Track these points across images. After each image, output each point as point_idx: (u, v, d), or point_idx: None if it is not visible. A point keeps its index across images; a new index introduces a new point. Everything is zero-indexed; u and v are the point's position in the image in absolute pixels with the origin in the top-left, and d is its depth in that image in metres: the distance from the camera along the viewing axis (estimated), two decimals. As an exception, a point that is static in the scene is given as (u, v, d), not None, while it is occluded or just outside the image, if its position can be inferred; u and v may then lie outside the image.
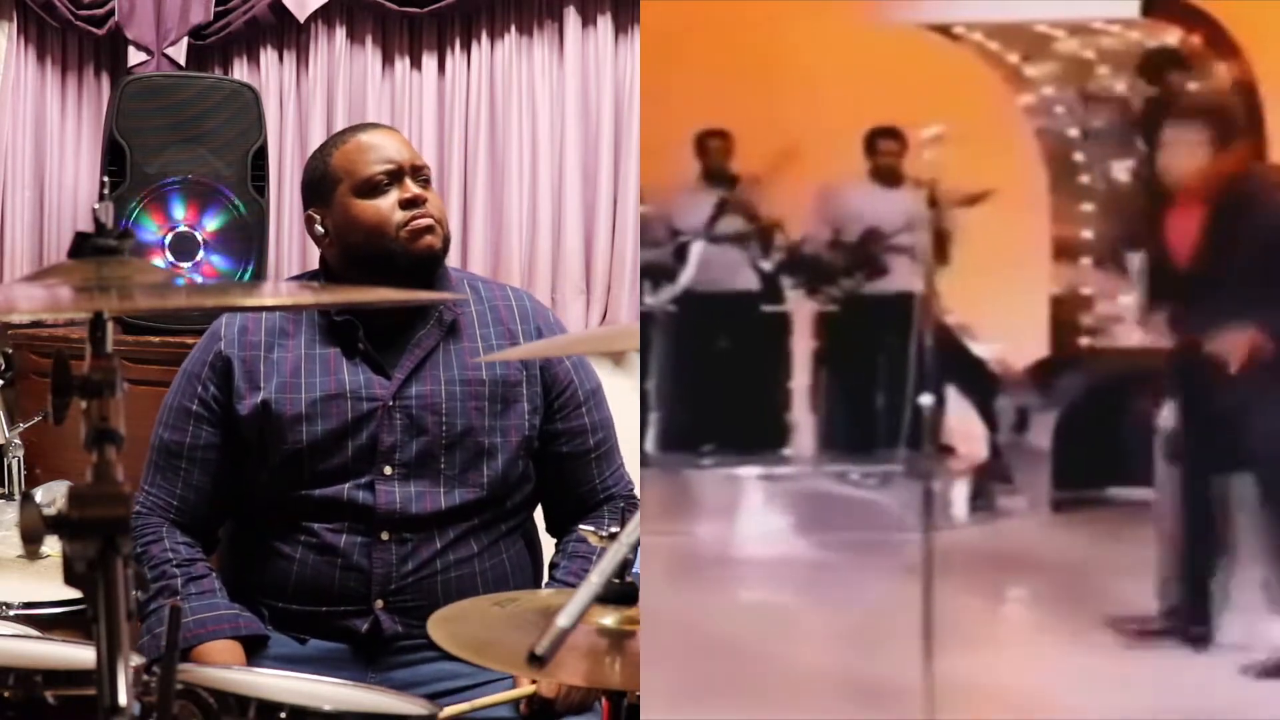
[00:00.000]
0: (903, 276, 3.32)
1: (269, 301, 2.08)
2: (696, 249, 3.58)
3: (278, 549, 2.40)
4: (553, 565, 2.53)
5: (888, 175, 3.53)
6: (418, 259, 2.39)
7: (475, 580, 2.40)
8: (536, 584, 2.54)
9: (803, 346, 3.56)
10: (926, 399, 2.22)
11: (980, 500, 3.11)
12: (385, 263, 2.37)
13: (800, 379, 3.55)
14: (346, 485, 2.37)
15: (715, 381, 3.45)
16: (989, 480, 3.13)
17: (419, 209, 2.39)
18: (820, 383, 3.55)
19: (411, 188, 2.40)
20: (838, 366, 3.54)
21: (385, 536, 2.36)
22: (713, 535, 2.98)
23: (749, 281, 3.60)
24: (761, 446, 3.44)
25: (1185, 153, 2.41)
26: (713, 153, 3.65)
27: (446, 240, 2.44)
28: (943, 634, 2.17)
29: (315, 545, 2.37)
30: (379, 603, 2.36)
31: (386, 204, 2.40)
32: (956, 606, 2.30)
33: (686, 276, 3.56)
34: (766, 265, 3.58)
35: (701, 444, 3.42)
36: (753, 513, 3.17)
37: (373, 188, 2.40)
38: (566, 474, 2.51)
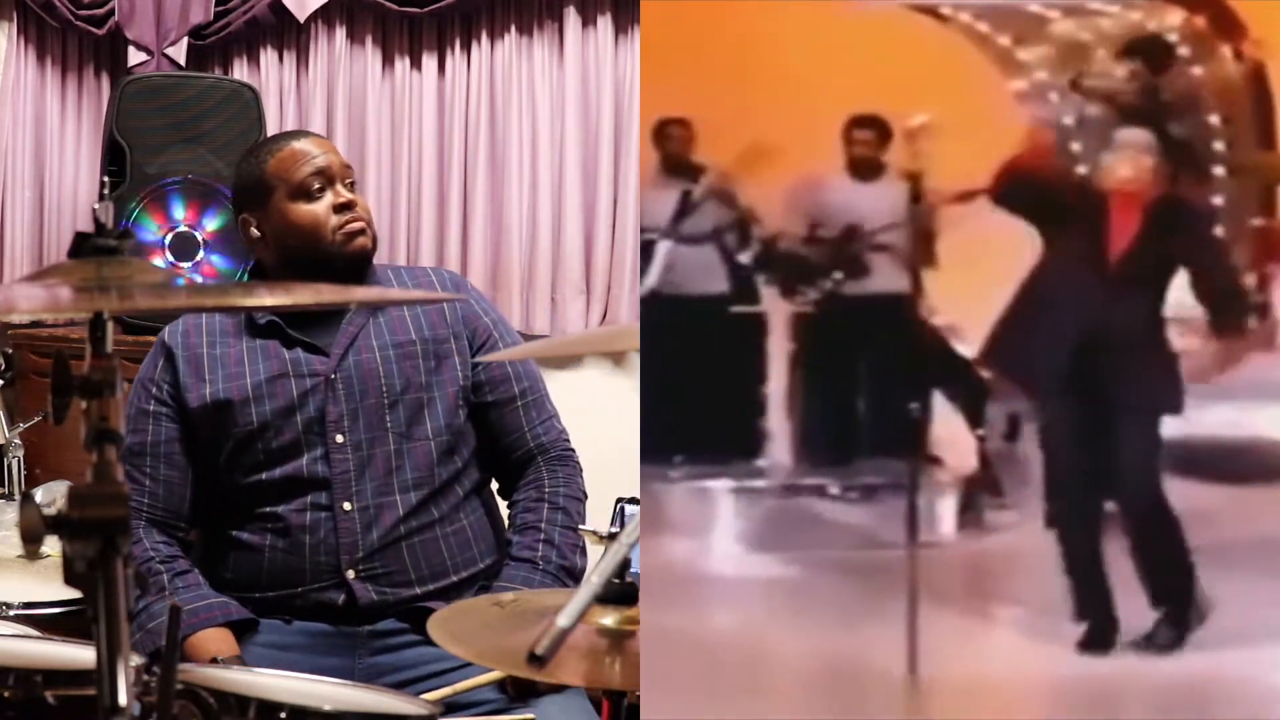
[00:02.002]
0: (886, 275, 3.14)
1: (269, 301, 2.09)
2: (662, 248, 3.44)
3: (245, 542, 2.47)
4: (508, 543, 2.58)
5: (864, 167, 3.26)
6: (351, 259, 2.51)
7: (439, 545, 2.48)
8: (499, 552, 2.58)
9: (778, 349, 3.36)
10: (912, 406, 2.17)
11: (969, 514, 2.96)
12: (321, 263, 2.50)
13: (775, 384, 3.35)
14: (304, 460, 2.46)
15: (684, 388, 3.19)
16: (978, 492, 2.98)
17: (351, 213, 2.52)
18: (797, 388, 3.33)
19: (343, 193, 2.52)
20: (816, 371, 3.32)
21: (347, 507, 2.44)
22: (683, 553, 2.87)
23: (719, 281, 3.41)
24: (734, 457, 3.27)
25: (1130, 159, 2.38)
26: (671, 142, 3.41)
27: (375, 240, 2.57)
28: (928, 658, 2.10)
29: (281, 529, 2.45)
30: (350, 573, 2.43)
31: (321, 208, 2.51)
32: (943, 629, 2.23)
33: (653, 277, 3.42)
34: (738, 263, 3.40)
35: (670, 455, 3.22)
36: (725, 528, 3.05)
37: (307, 192, 2.51)
38: (495, 423, 2.59)
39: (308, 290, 2.16)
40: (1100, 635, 2.30)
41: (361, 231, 2.52)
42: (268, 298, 1.96)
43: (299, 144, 2.56)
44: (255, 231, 2.56)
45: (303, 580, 2.44)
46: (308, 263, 2.50)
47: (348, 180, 2.55)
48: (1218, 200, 3.10)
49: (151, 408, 2.52)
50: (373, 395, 2.49)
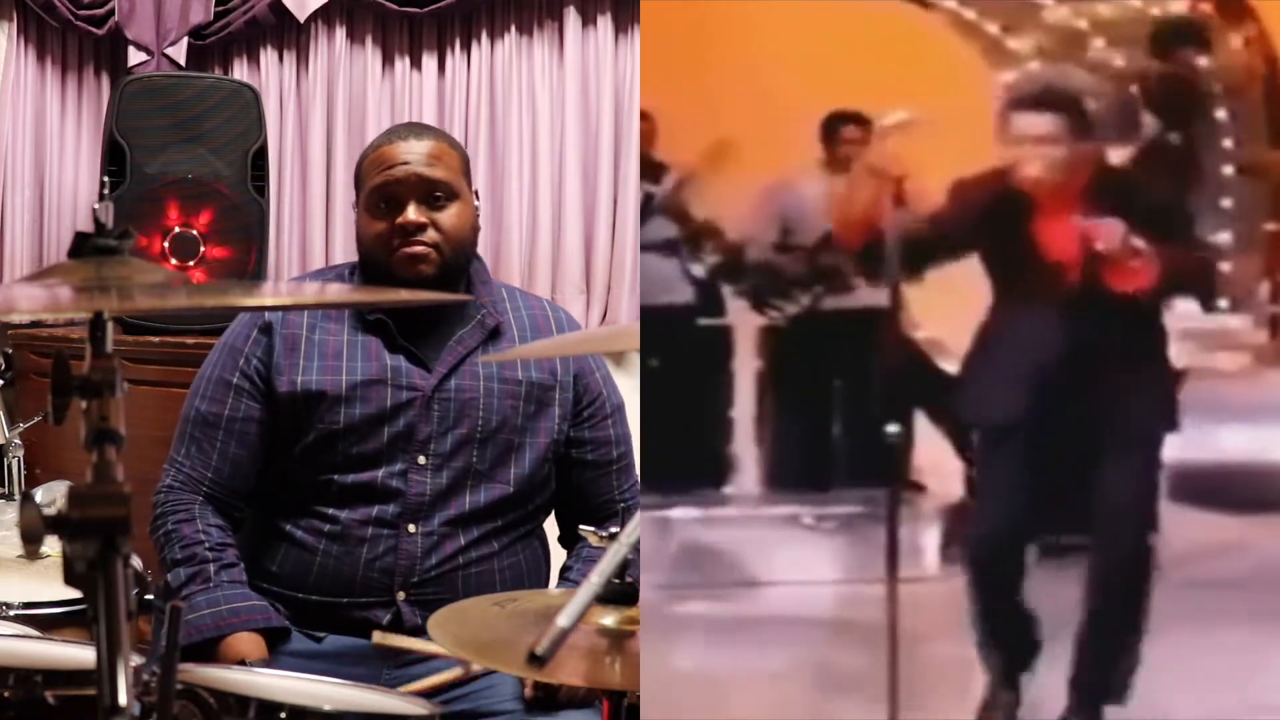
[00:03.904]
0: (864, 287, 2.87)
1: (269, 301, 2.09)
2: None
3: (298, 540, 2.40)
4: (565, 569, 2.54)
5: (848, 167, 2.92)
6: (408, 283, 2.40)
7: (493, 578, 2.42)
8: (545, 586, 2.53)
9: (746, 367, 3.11)
10: (892, 428, 2.00)
11: (954, 546, 2.73)
12: (384, 276, 2.43)
13: (743, 405, 3.10)
14: (380, 472, 2.38)
15: (645, 407, 2.79)
16: (964, 522, 2.64)
17: (412, 236, 2.40)
18: (767, 410, 3.09)
19: (410, 214, 2.40)
20: (787, 390, 3.08)
21: (412, 530, 2.37)
22: (643, 588, 2.61)
23: (685, 292, 3.16)
24: (698, 484, 3.01)
25: (1037, 149, 2.05)
26: (639, 138, 3.20)
27: (446, 264, 2.44)
28: (911, 702, 1.96)
29: (337, 535, 2.38)
30: (401, 594, 2.37)
31: (384, 225, 2.42)
32: (926, 672, 2.10)
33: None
34: (699, 269, 3.14)
35: None
36: (688, 562, 2.85)
37: (374, 205, 2.43)
38: (586, 482, 2.52)
39: (311, 292, 2.16)
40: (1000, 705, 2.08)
41: (420, 258, 2.41)
42: (268, 298, 1.96)
43: (391, 147, 2.45)
44: (356, 221, 2.51)
45: (351, 592, 2.37)
46: (375, 270, 2.44)
47: (434, 194, 2.42)
48: (1226, 202, 2.89)
49: (235, 380, 2.43)
50: (466, 426, 2.41)
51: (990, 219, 2.09)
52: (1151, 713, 2.07)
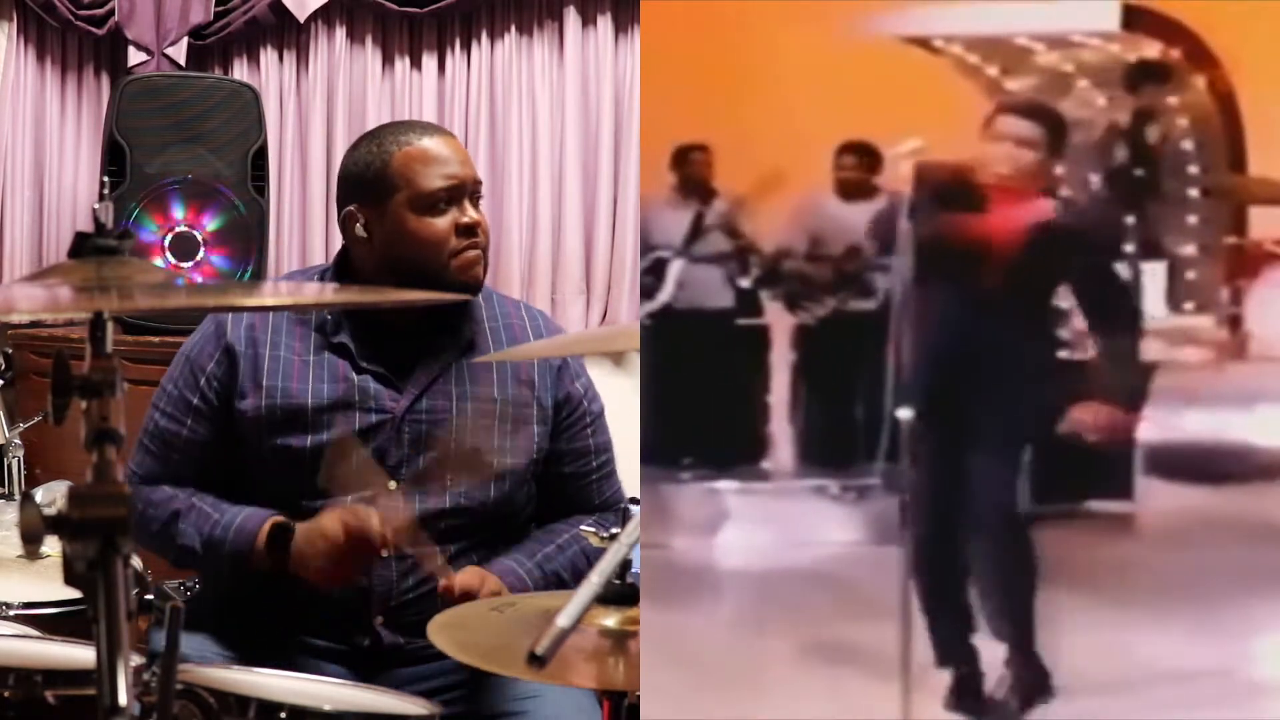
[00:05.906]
0: (883, 290, 3.23)
1: (269, 301, 2.06)
2: (675, 267, 3.55)
3: (270, 567, 2.25)
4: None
5: (853, 190, 3.51)
6: (464, 289, 2.29)
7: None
8: None
9: (781, 360, 3.52)
10: (904, 412, 2.14)
11: None
12: (429, 284, 2.26)
13: (779, 392, 3.52)
14: (349, 497, 2.25)
15: (694, 395, 3.34)
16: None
17: (473, 238, 2.30)
18: (799, 396, 3.52)
19: (469, 212, 2.30)
20: (816, 379, 3.49)
21: (385, 553, 2.23)
22: (691, 548, 2.97)
23: (727, 297, 3.59)
24: (740, 460, 3.42)
25: (1010, 154, 2.20)
26: (692, 166, 3.60)
27: (488, 265, 2.37)
28: (921, 647, 2.16)
29: None
30: (379, 618, 2.28)
31: (443, 225, 2.29)
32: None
33: (665, 293, 3.54)
34: (745, 281, 3.55)
35: (680, 458, 3.38)
36: (731, 526, 3.14)
37: (432, 205, 2.29)
38: (568, 493, 2.43)
39: (308, 292, 2.15)
40: (966, 688, 2.24)
41: (477, 262, 2.30)
42: (268, 298, 1.95)
43: (431, 143, 2.31)
44: (361, 230, 2.31)
45: (325, 620, 2.27)
46: (415, 280, 2.25)
47: (477, 196, 2.32)
48: (1192, 220, 3.31)
49: (195, 401, 2.31)
50: (438, 449, 2.29)
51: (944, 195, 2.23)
52: (1133, 662, 2.31)
